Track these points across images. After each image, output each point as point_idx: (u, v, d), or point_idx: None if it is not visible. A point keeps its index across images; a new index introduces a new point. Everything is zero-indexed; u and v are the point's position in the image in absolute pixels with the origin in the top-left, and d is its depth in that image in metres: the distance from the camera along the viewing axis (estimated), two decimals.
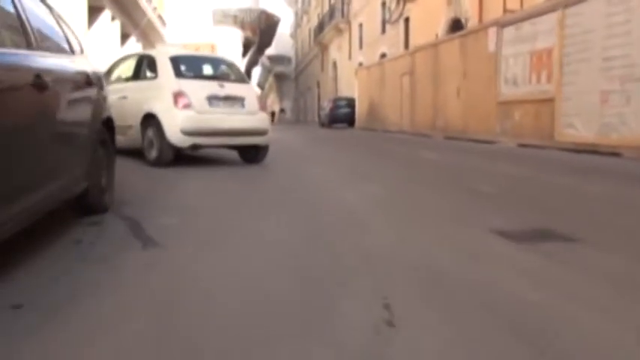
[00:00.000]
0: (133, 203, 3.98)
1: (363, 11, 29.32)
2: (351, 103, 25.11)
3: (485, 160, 8.39)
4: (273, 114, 62.24)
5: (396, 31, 23.67)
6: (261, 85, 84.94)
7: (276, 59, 66.46)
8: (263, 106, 7.28)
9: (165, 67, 6.84)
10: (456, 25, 16.90)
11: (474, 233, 3.16)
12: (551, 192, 5.01)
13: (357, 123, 24.00)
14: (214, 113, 6.64)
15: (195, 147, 6.63)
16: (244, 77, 7.48)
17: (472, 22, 15.28)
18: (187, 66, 7.15)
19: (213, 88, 6.76)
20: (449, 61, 13.96)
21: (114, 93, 7.70)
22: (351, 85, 27.70)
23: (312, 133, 19.31)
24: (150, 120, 6.64)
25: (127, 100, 7.19)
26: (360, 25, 30.22)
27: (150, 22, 24.08)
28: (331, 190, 5.01)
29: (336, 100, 26.91)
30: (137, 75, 7.37)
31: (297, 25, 55.40)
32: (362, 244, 2.88)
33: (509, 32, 11.07)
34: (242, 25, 35.36)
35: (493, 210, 3.99)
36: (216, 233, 3.13)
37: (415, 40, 19.77)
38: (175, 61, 6.93)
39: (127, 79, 7.54)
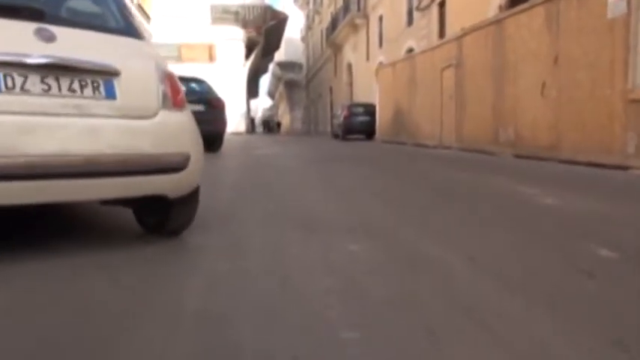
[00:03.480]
0: None
1: (384, 1, 24.84)
2: (370, 109, 20.58)
3: None
4: (279, 124, 58.07)
5: (427, 20, 19.11)
6: (271, 94, 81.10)
7: (286, 66, 62.25)
8: (177, 99, 2.74)
9: None
10: (517, 2, 12.29)
11: None
12: None
13: (378, 134, 19.45)
14: (5, 112, 2.16)
15: None
16: (131, 25, 2.94)
17: None
18: None
19: (16, 40, 2.28)
20: (525, 41, 9.35)
21: None
22: (368, 91, 23.26)
23: (320, 148, 14.72)
24: None
25: None
26: (380, 18, 25.72)
27: None
28: None
29: (351, 107, 22.21)
30: None
31: (309, 27, 51.22)
32: None
33: None
34: (244, 24, 31.00)
35: None
36: None
37: (454, 28, 15.19)
38: None
39: None
